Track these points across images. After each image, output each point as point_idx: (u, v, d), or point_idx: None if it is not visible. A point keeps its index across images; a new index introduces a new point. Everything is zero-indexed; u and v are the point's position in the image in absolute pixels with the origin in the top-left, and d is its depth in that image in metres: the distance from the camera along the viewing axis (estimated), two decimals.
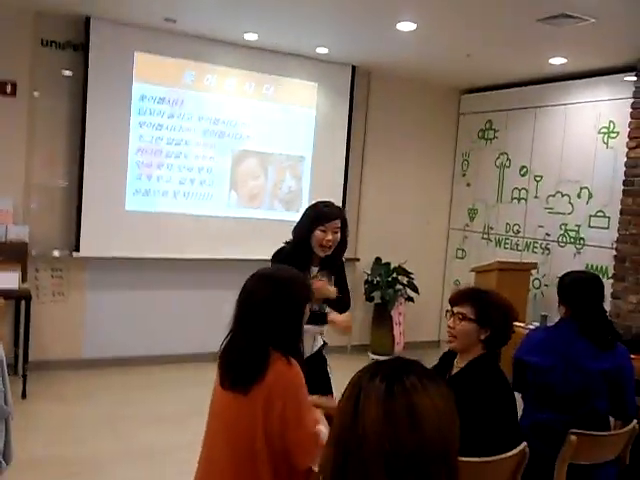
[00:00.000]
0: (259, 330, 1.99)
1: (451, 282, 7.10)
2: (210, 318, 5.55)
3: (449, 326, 2.57)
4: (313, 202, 3.12)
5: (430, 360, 6.88)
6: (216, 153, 5.91)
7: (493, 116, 6.73)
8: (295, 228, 3.05)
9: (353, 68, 6.39)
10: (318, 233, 2.95)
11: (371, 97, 6.64)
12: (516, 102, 6.43)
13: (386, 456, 1.03)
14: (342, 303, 3.03)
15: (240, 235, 5.99)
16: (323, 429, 2.00)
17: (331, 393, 3.02)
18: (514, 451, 2.22)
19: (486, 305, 2.51)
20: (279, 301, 2.02)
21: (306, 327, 2.15)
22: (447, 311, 2.66)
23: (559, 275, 5.71)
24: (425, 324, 7.07)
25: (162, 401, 4.97)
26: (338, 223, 2.97)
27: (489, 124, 6.79)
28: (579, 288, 2.78)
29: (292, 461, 1.94)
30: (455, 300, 2.61)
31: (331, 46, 5.69)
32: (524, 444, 2.24)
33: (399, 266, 6.58)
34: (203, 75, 5.78)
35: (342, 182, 6.40)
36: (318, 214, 2.98)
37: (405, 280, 6.58)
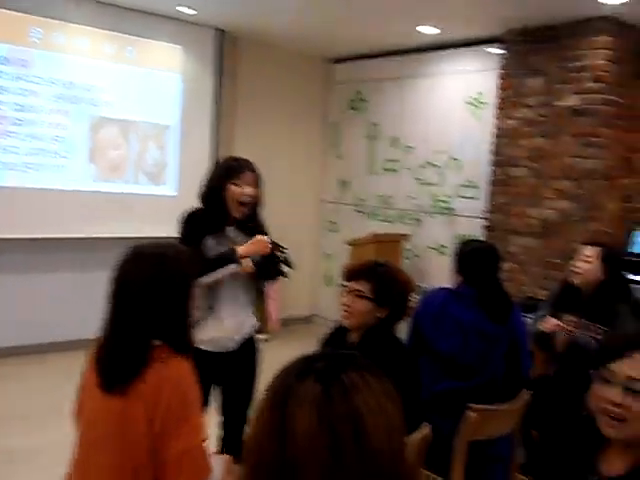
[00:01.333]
0: (136, 319, 1.66)
1: (325, 256, 7.02)
2: (80, 303, 5.24)
3: (345, 304, 2.41)
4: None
5: (305, 336, 6.83)
6: (71, 121, 5.35)
7: (363, 86, 6.65)
8: (203, 189, 2.75)
9: (222, 33, 6.04)
10: (233, 188, 2.67)
11: (241, 64, 6.32)
12: (386, 72, 6.39)
13: (328, 474, 0.82)
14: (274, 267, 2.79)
15: (105, 211, 5.49)
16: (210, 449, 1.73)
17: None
18: (417, 435, 2.10)
19: (385, 283, 2.37)
20: (159, 282, 1.68)
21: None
22: (342, 285, 2.50)
23: (430, 245, 5.92)
24: (300, 299, 6.94)
25: (24, 397, 4.46)
26: (252, 176, 2.71)
27: (359, 94, 6.71)
28: (477, 257, 2.72)
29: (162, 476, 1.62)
30: (351, 275, 2.45)
31: (195, 6, 5.31)
32: (427, 428, 2.14)
33: (272, 241, 6.37)
34: (51, 33, 5.19)
35: (212, 153, 6.07)
36: (228, 168, 2.70)
37: (280, 255, 6.38)
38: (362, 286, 2.38)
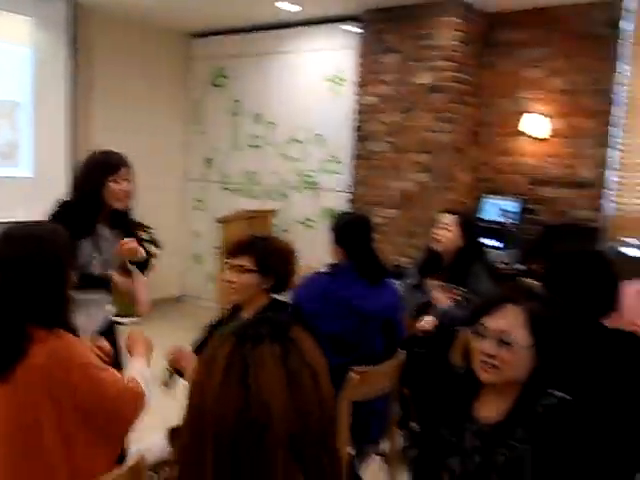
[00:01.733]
0: (9, 302, 1.63)
1: (193, 234, 6.96)
2: None
3: (229, 280, 2.46)
4: (92, 152, 2.78)
5: (176, 316, 6.71)
6: None
7: (225, 62, 6.61)
8: (78, 183, 2.66)
9: (75, 5, 5.74)
10: (112, 185, 2.62)
11: (97, 38, 6.04)
12: (247, 48, 6.39)
13: (294, 433, 0.87)
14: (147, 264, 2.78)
15: None
16: (134, 374, 1.81)
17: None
18: None
19: (266, 253, 2.45)
20: (32, 263, 1.64)
21: (92, 296, 1.85)
22: (225, 263, 2.55)
23: (298, 220, 6.06)
24: (169, 280, 6.84)
25: None
26: (128, 171, 2.67)
27: (221, 70, 6.66)
28: (353, 229, 2.85)
29: (115, 430, 1.72)
30: (233, 252, 2.50)
31: None
32: None
33: (137, 221, 6.21)
34: None
35: (68, 132, 5.78)
36: (104, 164, 2.63)
37: (145, 235, 6.25)
38: (244, 261, 2.44)
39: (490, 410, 1.74)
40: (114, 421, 1.70)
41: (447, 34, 4.97)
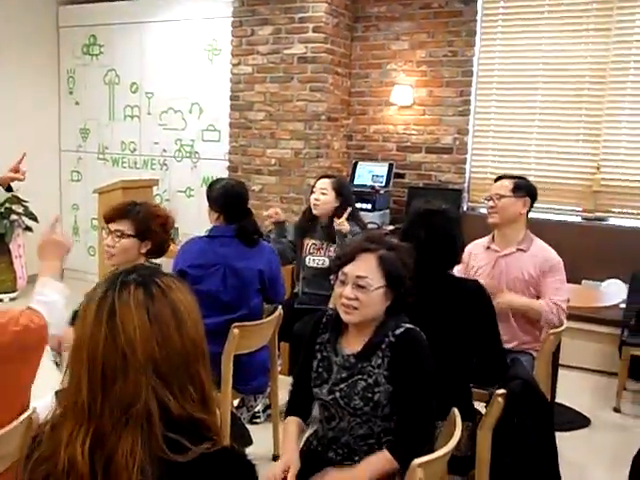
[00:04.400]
0: None
1: (71, 207, 6.83)
2: None
3: (108, 245, 2.56)
4: None
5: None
6: None
7: (97, 30, 6.47)
8: None
9: None
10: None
11: None
12: (122, 16, 6.26)
13: (155, 361, 1.04)
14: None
15: None
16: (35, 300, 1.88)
17: None
18: None
19: (143, 218, 2.56)
20: None
21: None
22: (102, 229, 2.63)
23: (179, 189, 6.12)
24: None
25: None
26: None
27: (93, 39, 6.51)
28: (229, 194, 3.01)
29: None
30: (110, 217, 2.59)
31: None
32: None
33: (12, 194, 6.03)
34: None
35: None
36: None
37: (20, 209, 6.09)
38: (122, 225, 2.53)
39: (353, 345, 2.00)
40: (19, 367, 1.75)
41: (316, 6, 5.17)
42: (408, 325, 1.97)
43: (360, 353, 1.97)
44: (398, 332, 1.95)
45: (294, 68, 5.32)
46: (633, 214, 4.83)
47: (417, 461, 1.70)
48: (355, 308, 1.93)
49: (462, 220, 4.85)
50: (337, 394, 1.97)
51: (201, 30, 5.86)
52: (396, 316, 1.99)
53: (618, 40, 4.80)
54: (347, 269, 1.96)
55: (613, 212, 4.91)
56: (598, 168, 4.89)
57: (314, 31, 5.21)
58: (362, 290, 1.92)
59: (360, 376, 1.95)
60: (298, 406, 2.12)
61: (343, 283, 1.96)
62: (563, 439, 3.50)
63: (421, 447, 1.84)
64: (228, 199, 2.99)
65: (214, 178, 5.71)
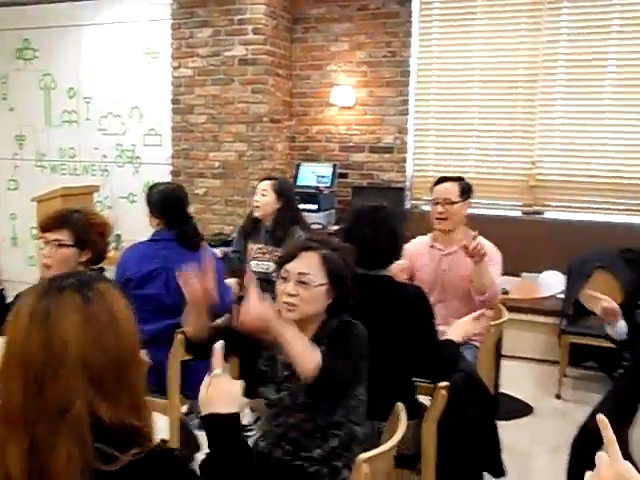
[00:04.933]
0: None
1: (8, 216, 6.64)
2: None
3: (45, 255, 2.47)
4: None
5: None
6: None
7: (31, 33, 6.31)
8: None
9: None
10: None
11: None
12: (58, 19, 6.12)
13: (89, 365, 1.04)
14: None
15: None
16: None
17: None
18: None
19: (82, 227, 2.50)
20: None
21: None
22: (41, 238, 2.56)
23: (121, 195, 6.03)
24: None
25: None
26: None
27: (27, 42, 6.35)
28: (168, 199, 2.99)
29: None
30: (47, 226, 2.50)
31: None
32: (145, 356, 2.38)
33: None
34: None
35: None
36: None
37: None
38: (60, 235, 2.44)
39: None
40: None
41: (255, 8, 5.16)
42: (347, 318, 2.01)
43: None
44: (338, 324, 1.99)
45: (235, 70, 5.31)
46: (568, 207, 5.01)
47: (362, 456, 1.73)
48: (295, 305, 1.94)
49: (405, 218, 4.98)
50: (282, 393, 1.98)
51: (139, 33, 5.79)
52: (339, 315, 2.02)
53: (548, 40, 4.96)
54: (289, 266, 1.97)
55: (550, 206, 5.08)
56: (534, 164, 5.05)
57: (254, 33, 5.20)
58: (304, 286, 1.93)
59: None
60: None
61: (285, 280, 1.97)
62: (507, 428, 3.61)
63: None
64: (167, 203, 2.97)
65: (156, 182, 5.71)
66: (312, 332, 1.99)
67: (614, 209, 4.88)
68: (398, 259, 2.45)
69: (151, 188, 3.11)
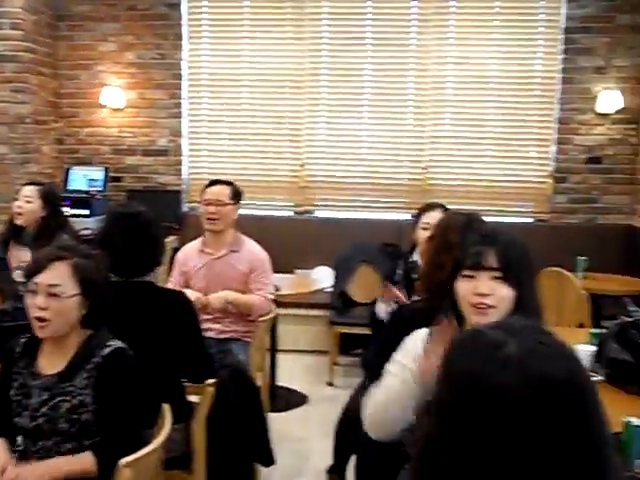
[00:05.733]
0: None
1: None
2: None
3: None
4: None
5: None
6: None
7: None
8: None
9: None
10: None
11: None
12: None
13: None
14: None
15: None
16: None
17: None
18: None
19: None
20: None
21: None
22: None
23: None
24: None
25: None
26: None
27: None
28: None
29: None
30: None
31: None
32: None
33: None
34: None
35: None
36: None
37: None
38: None
39: (55, 364, 1.90)
40: None
41: (14, 2, 4.83)
42: (116, 344, 1.94)
43: (63, 373, 1.89)
44: (106, 352, 1.90)
45: None
46: (334, 206, 5.39)
47: (124, 461, 1.73)
48: (47, 319, 1.84)
49: (182, 221, 4.98)
50: (40, 420, 1.87)
51: None
52: (100, 332, 1.95)
53: (311, 49, 5.27)
54: (38, 278, 1.87)
55: (319, 205, 5.41)
56: (302, 166, 5.34)
57: (11, 28, 4.86)
58: (55, 299, 1.84)
59: (63, 397, 1.87)
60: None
61: (34, 293, 1.88)
62: (284, 418, 3.81)
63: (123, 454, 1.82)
64: None
65: None
66: (72, 351, 1.90)
67: (374, 207, 5.33)
68: (159, 265, 2.46)
69: None
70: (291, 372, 4.41)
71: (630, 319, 2.47)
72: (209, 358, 2.49)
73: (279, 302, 4.07)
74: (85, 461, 1.86)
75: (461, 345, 0.91)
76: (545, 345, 0.85)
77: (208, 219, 3.24)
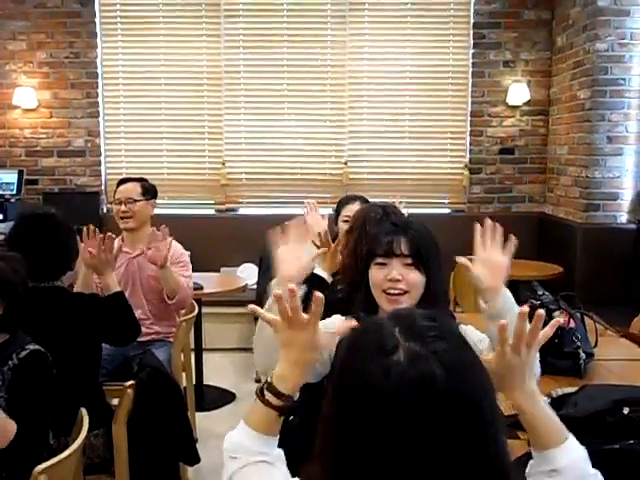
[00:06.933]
0: None
1: None
2: None
3: None
4: None
5: None
6: None
7: None
8: None
9: None
10: None
11: None
12: None
13: None
14: None
15: None
16: None
17: None
18: None
19: None
20: None
21: None
22: None
23: None
24: None
25: None
26: None
27: None
28: None
29: None
30: None
31: None
32: None
33: None
34: None
35: None
36: None
37: None
38: None
39: None
40: None
41: None
42: (34, 347, 1.91)
43: None
44: (22, 355, 1.88)
45: None
46: (257, 203, 5.41)
47: (38, 468, 1.71)
48: None
49: (102, 222, 4.90)
50: None
51: None
52: (19, 336, 1.93)
53: (227, 46, 5.25)
54: None
55: (241, 203, 5.41)
56: (224, 164, 5.32)
57: None
58: None
59: None
60: None
61: None
62: (213, 417, 3.81)
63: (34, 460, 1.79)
64: None
65: None
66: None
67: (296, 203, 5.30)
68: (71, 269, 2.42)
69: None
70: (218, 370, 4.41)
71: (538, 302, 2.61)
72: (133, 320, 2.46)
73: (204, 301, 4.07)
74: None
75: (353, 343, 0.93)
76: (434, 353, 0.82)
77: (121, 218, 3.22)
